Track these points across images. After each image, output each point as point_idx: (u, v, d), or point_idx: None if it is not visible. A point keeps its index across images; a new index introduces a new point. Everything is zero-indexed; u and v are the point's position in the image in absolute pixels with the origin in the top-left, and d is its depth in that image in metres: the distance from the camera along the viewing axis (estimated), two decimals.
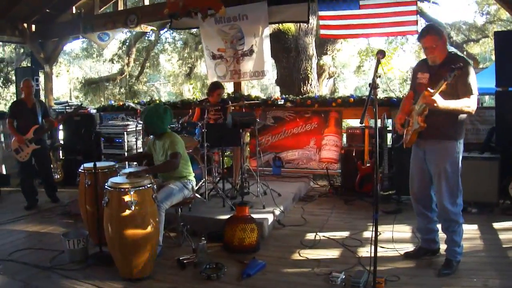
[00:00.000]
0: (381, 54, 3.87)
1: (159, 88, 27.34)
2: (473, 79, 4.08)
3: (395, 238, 5.33)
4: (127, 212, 4.13)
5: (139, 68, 20.08)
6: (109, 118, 9.36)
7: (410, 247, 5.04)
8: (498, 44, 7.02)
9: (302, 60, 11.35)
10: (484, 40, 17.33)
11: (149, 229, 4.26)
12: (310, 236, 5.61)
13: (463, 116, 4.26)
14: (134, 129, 8.19)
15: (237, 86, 9.30)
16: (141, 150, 8.19)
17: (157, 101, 10.10)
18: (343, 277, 4.23)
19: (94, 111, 9.54)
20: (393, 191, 7.18)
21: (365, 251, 4.98)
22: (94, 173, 4.85)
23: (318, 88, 11.99)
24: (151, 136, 5.50)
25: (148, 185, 4.34)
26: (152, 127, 5.23)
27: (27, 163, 7.16)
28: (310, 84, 11.45)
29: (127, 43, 18.00)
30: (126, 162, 7.20)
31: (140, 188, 4.24)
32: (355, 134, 7.70)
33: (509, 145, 6.63)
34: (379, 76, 3.77)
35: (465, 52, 16.89)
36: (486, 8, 16.28)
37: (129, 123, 8.41)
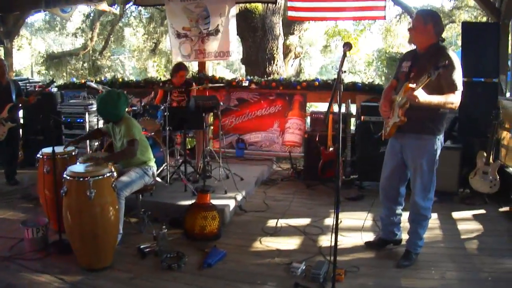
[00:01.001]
0: (347, 47, 3.79)
1: (123, 61, 26.82)
2: (459, 75, 4.01)
3: (357, 226, 5.38)
4: (86, 202, 4.04)
5: (103, 43, 19.63)
6: (70, 96, 9.13)
7: (371, 236, 5.12)
8: (465, 34, 7.06)
9: (268, 39, 11.31)
10: (451, 25, 17.47)
11: (109, 218, 4.19)
12: (272, 222, 5.62)
13: (445, 110, 4.20)
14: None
15: (202, 66, 9.15)
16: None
17: (120, 80, 9.84)
18: (304, 267, 4.25)
19: (55, 89, 9.22)
20: (356, 176, 7.25)
21: (326, 240, 5.01)
22: (53, 160, 4.71)
23: (284, 68, 11.98)
24: None
25: (107, 174, 4.24)
26: (109, 116, 5.13)
27: (1, 143, 6.98)
28: (276, 64, 11.43)
29: (91, 17, 17.52)
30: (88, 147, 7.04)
31: (99, 177, 4.15)
32: (318, 118, 7.66)
33: (471, 135, 6.75)
34: (344, 71, 3.73)
35: None
36: None
37: (90, 102, 8.22)
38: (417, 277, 4.21)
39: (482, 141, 6.51)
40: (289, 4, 8.13)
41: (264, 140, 8.67)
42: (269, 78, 9.18)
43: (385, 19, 8.06)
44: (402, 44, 19.42)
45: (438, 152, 4.30)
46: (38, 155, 5.13)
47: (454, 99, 3.97)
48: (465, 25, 7.44)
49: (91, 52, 18.94)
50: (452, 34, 18.80)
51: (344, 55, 3.76)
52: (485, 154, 6.32)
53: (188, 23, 8.60)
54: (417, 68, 4.11)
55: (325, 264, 4.21)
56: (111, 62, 22.45)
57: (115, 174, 4.48)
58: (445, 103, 3.97)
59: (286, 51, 12.76)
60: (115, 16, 17.13)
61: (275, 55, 11.39)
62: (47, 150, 5.01)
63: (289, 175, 7.87)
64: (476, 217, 5.90)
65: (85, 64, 19.35)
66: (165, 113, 6.29)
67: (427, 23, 4.10)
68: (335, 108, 7.36)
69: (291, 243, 5.03)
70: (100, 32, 18.56)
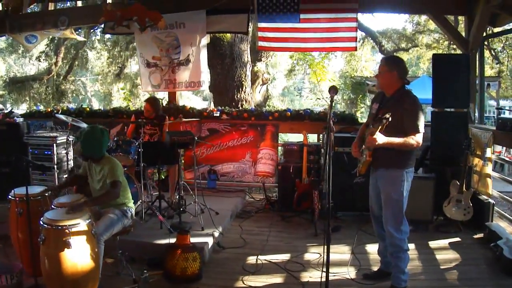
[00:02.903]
0: (333, 91, 3.99)
1: (85, 83, 26.35)
2: (421, 119, 4.27)
3: (337, 261, 5.36)
4: (66, 250, 3.87)
5: (67, 67, 19.20)
6: (36, 126, 8.88)
7: (352, 270, 5.14)
8: (436, 66, 7.19)
9: (236, 67, 11.29)
10: (413, 49, 17.89)
11: (89, 266, 4.01)
12: (252, 260, 5.54)
13: None
14: (64, 140, 7.81)
15: (172, 96, 9.04)
16: (71, 162, 7.82)
17: (87, 109, 9.57)
18: None
19: (21, 119, 8.85)
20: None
21: (308, 276, 5.03)
22: (27, 203, 4.48)
23: (252, 95, 11.95)
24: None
25: (87, 221, 4.08)
26: (90, 152, 4.89)
27: None
28: (244, 92, 11.41)
29: (55, 41, 17.05)
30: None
31: (79, 225, 3.97)
32: (292, 150, 7.70)
33: (443, 164, 6.84)
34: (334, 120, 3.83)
35: None
36: (416, 18, 16.75)
37: (58, 134, 7.99)
38: None
39: (454, 169, 6.66)
40: (260, 34, 8.06)
41: (236, 170, 8.59)
42: (240, 108, 9.15)
43: (356, 50, 8.14)
44: (365, 67, 19.74)
45: (407, 184, 4.50)
46: (10, 196, 4.89)
47: (413, 141, 4.23)
48: (436, 57, 7.58)
49: (55, 76, 18.48)
50: (414, 56, 19.22)
51: (332, 101, 3.90)
52: (458, 183, 6.44)
53: (158, 52, 8.50)
54: (382, 111, 4.35)
55: None
56: (75, 86, 21.93)
57: (93, 223, 4.29)
58: (404, 145, 4.25)
59: (254, 77, 12.75)
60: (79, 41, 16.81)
61: (243, 82, 11.37)
62: (20, 191, 4.78)
63: (262, 206, 7.83)
64: (452, 246, 6.00)
65: (49, 89, 18.83)
66: (139, 149, 6.15)
67: (392, 70, 4.42)
68: (310, 139, 7.54)
69: (273, 281, 4.97)
70: (64, 56, 18.11)
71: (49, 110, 9.79)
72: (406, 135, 4.23)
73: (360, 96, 18.34)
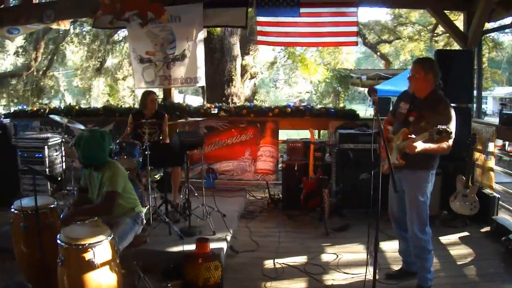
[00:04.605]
0: (373, 93, 3.92)
1: (58, 77, 25.63)
2: (453, 123, 4.22)
3: (355, 261, 5.34)
4: (90, 271, 3.54)
5: (46, 62, 18.60)
6: (22, 126, 8.46)
7: (371, 270, 4.99)
8: (439, 61, 7.08)
9: (226, 61, 11.16)
10: (396, 41, 17.94)
11: (113, 285, 3.71)
12: (269, 264, 5.37)
13: None
14: (56, 142, 7.48)
15: (167, 93, 8.78)
16: (63, 164, 7.48)
17: (76, 107, 9.16)
18: None
19: (8, 120, 8.37)
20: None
21: (331, 279, 4.94)
22: (37, 217, 4.12)
23: (242, 90, 11.79)
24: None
25: (110, 237, 3.75)
26: (94, 160, 4.48)
27: None
28: (234, 86, 11.24)
29: (34, 35, 16.30)
30: None
31: (103, 242, 3.65)
32: (296, 147, 7.54)
33: (449, 161, 6.79)
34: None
35: (378, 53, 17.40)
36: (396, 10, 16.80)
37: (49, 135, 7.64)
38: None
39: (457, 164, 6.68)
40: (258, 28, 7.88)
41: (235, 168, 8.43)
42: (239, 104, 8.96)
43: (357, 45, 7.99)
44: (346, 59, 19.68)
45: (431, 185, 4.51)
46: (14, 209, 4.48)
47: (445, 146, 4.21)
48: (439, 53, 7.51)
49: (35, 72, 17.86)
50: (393, 48, 19.28)
51: (376, 103, 3.93)
52: (463, 178, 6.45)
53: (152, 47, 8.17)
54: (416, 113, 4.40)
55: None
56: (53, 82, 21.28)
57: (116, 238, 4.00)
58: (437, 151, 4.24)
59: (242, 71, 12.58)
60: (58, 35, 16.22)
61: (233, 77, 11.21)
62: (25, 203, 4.39)
63: (265, 205, 7.66)
64: (463, 240, 6.02)
65: (28, 85, 18.16)
66: (147, 152, 5.87)
67: (428, 73, 4.38)
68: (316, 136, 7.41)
69: (297, 286, 4.84)
70: (43, 51, 17.48)
71: (34, 109, 9.39)
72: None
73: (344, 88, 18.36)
